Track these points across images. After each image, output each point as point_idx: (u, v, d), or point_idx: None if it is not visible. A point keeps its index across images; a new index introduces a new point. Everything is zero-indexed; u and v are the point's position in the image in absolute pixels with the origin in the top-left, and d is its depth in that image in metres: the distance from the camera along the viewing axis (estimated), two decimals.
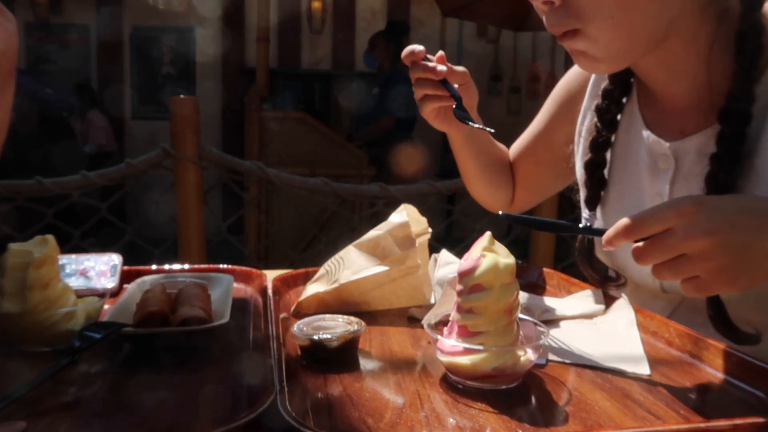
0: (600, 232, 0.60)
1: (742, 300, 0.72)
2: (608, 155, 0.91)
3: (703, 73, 0.75)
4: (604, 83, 0.90)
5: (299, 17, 6.43)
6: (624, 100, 0.89)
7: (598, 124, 0.89)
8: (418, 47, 0.87)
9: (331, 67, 6.57)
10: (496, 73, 6.82)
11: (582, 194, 0.95)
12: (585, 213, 0.94)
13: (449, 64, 0.87)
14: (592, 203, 0.91)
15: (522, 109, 6.79)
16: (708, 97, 0.76)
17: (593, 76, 0.95)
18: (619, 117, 0.89)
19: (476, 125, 0.84)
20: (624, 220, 0.57)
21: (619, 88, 0.87)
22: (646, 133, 0.84)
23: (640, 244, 0.57)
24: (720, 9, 0.73)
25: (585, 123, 0.95)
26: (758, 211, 0.57)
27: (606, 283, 0.90)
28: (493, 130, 0.86)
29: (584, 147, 0.94)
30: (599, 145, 0.89)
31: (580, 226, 0.66)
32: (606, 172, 0.91)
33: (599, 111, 0.89)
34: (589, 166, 0.91)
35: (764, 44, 0.71)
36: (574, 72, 1.00)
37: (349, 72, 6.27)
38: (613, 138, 0.90)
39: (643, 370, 0.64)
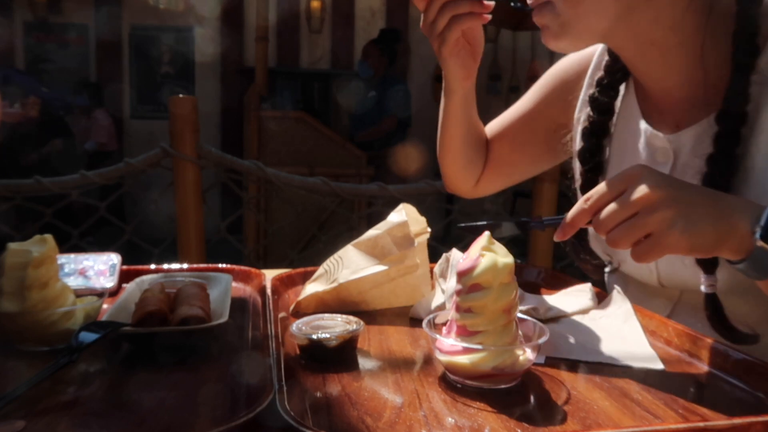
0: (560, 218, 0.64)
1: (730, 294, 0.73)
2: (605, 143, 0.91)
3: (695, 68, 0.76)
4: (599, 73, 0.90)
5: (298, 17, 6.42)
6: (621, 87, 0.89)
7: (592, 113, 0.90)
8: None
9: (330, 67, 6.56)
10: (495, 73, 6.80)
11: (578, 182, 0.95)
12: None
13: None
14: (588, 189, 0.92)
15: None
16: (702, 91, 0.77)
17: (591, 66, 0.94)
18: (617, 104, 0.89)
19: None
20: (581, 199, 0.62)
21: (612, 77, 0.88)
22: (644, 126, 0.84)
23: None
24: (706, 2, 0.74)
25: (583, 112, 0.95)
26: (696, 185, 0.64)
27: (600, 270, 0.90)
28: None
29: (580, 135, 0.94)
30: (593, 132, 0.90)
31: (543, 219, 0.68)
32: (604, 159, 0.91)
33: (592, 99, 0.90)
34: (582, 154, 0.91)
35: (759, 44, 0.71)
36: (570, 61, 0.99)
37: (348, 72, 6.27)
38: (612, 129, 0.90)
39: (656, 365, 0.64)
